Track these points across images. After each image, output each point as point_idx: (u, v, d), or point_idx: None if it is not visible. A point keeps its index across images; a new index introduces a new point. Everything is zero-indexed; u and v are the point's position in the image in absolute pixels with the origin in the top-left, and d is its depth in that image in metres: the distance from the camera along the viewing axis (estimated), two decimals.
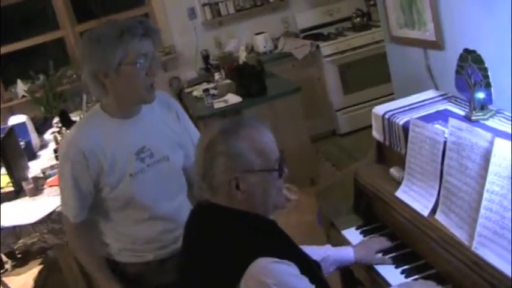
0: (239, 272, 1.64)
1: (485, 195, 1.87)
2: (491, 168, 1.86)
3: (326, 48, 6.32)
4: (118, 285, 2.40)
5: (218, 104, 5.03)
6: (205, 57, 6.62)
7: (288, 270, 1.67)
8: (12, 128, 4.39)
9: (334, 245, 2.72)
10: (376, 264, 2.34)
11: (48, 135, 5.30)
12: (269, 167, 1.78)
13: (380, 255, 2.35)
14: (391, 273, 2.26)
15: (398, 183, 2.43)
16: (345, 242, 2.59)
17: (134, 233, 2.40)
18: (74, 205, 2.31)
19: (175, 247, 2.34)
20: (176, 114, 2.50)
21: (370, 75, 6.12)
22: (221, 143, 1.73)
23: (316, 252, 2.15)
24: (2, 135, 3.98)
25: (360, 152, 4.19)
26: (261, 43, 6.54)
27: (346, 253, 2.31)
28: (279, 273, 1.63)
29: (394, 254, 2.36)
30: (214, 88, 5.49)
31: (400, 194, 2.38)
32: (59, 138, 4.79)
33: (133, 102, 2.32)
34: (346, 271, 2.77)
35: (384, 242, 2.41)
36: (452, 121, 2.10)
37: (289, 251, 1.79)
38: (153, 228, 2.40)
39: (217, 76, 5.82)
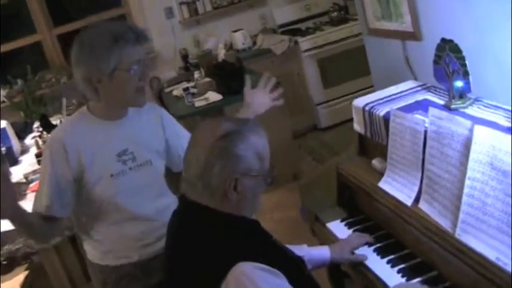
0: (220, 275, 1.64)
1: (467, 182, 1.89)
2: (472, 155, 1.88)
3: (304, 43, 6.33)
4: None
5: (199, 103, 5.02)
6: (184, 56, 6.60)
7: (270, 279, 1.66)
8: None
9: (319, 238, 2.75)
10: (353, 262, 2.36)
11: (29, 140, 5.26)
12: (264, 172, 1.80)
13: (357, 253, 2.36)
14: (376, 263, 2.28)
15: (381, 175, 2.45)
16: (330, 235, 2.61)
17: (116, 232, 2.39)
18: (47, 196, 2.25)
19: (160, 245, 2.34)
20: (161, 122, 2.51)
21: (350, 68, 6.14)
22: (227, 144, 1.73)
23: None
24: None
25: (341, 146, 4.21)
26: (240, 40, 6.52)
27: (321, 253, 2.32)
28: (259, 279, 1.63)
29: (379, 245, 2.38)
30: (194, 87, 5.48)
31: (383, 184, 2.40)
32: (40, 142, 4.76)
33: (123, 106, 2.35)
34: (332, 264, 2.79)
35: (362, 238, 2.42)
36: (432, 110, 2.12)
37: (273, 254, 1.79)
38: (136, 227, 2.40)
39: (196, 75, 5.81)
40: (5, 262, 4.77)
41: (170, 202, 2.43)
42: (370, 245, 2.39)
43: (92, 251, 2.48)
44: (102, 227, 2.40)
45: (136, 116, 2.40)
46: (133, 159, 2.35)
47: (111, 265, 2.44)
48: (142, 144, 2.38)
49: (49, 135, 2.44)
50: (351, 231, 2.55)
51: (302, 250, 2.24)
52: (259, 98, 2.80)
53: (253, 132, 1.78)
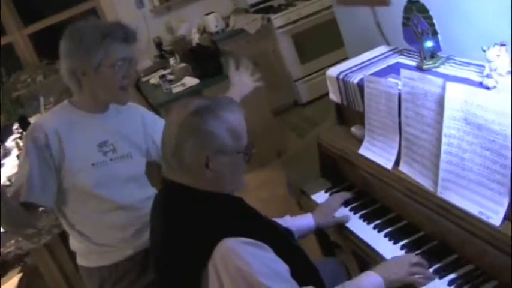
0: (206, 253, 1.65)
1: (444, 139, 1.90)
2: (446, 112, 1.88)
3: (277, 19, 6.30)
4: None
5: (176, 89, 5.00)
6: (159, 44, 6.55)
7: (257, 252, 1.67)
8: None
9: (306, 211, 2.74)
10: (337, 224, 2.38)
11: (9, 143, 5.21)
12: (240, 150, 1.80)
13: (343, 212, 2.40)
14: (363, 229, 2.30)
15: (360, 141, 2.46)
16: (316, 207, 2.61)
17: (101, 222, 2.38)
18: (28, 182, 2.22)
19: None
20: (142, 120, 2.53)
21: (325, 41, 6.11)
22: (195, 121, 1.73)
23: None
24: None
25: (323, 119, 4.22)
26: (212, 23, 6.48)
27: (305, 221, 2.34)
28: (246, 254, 1.64)
29: (364, 211, 2.39)
30: (171, 73, 5.45)
31: (363, 151, 2.41)
32: (20, 144, 4.72)
33: (106, 102, 2.39)
34: (322, 236, 2.80)
35: (340, 198, 2.46)
36: (404, 72, 2.13)
37: (259, 227, 1.80)
38: (121, 216, 2.40)
39: (172, 61, 5.78)
40: None
41: (153, 194, 2.43)
42: (355, 211, 2.40)
43: (83, 254, 2.47)
44: (87, 219, 2.39)
45: (116, 112, 2.44)
46: (113, 151, 2.36)
47: (107, 265, 2.43)
48: (122, 137, 2.41)
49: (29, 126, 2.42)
50: (323, 202, 2.55)
51: (286, 222, 2.25)
52: (244, 79, 2.86)
53: (225, 108, 1.77)
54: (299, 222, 2.31)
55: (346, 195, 2.47)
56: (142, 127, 2.52)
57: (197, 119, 1.73)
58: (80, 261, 2.52)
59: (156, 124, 2.52)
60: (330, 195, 2.61)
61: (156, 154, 2.52)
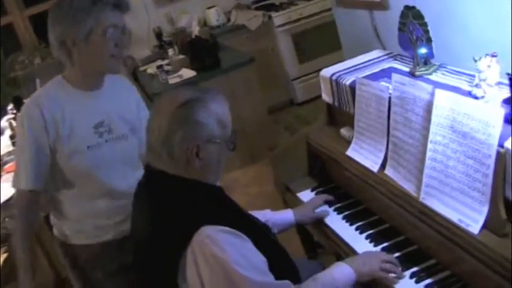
0: (184, 240, 1.67)
1: (429, 145, 1.92)
2: (434, 119, 1.90)
3: (278, 18, 6.33)
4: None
5: (173, 80, 5.01)
6: (158, 35, 6.56)
7: (234, 240, 1.69)
8: None
9: (291, 208, 2.76)
10: (316, 218, 2.43)
11: (3, 123, 5.22)
12: (227, 138, 1.83)
13: (320, 209, 2.45)
14: (345, 230, 2.32)
15: (349, 143, 2.47)
16: (301, 204, 2.63)
17: (90, 208, 2.38)
18: (30, 170, 2.24)
19: None
20: (136, 101, 2.51)
21: (324, 42, 6.14)
22: (188, 111, 1.75)
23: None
24: None
25: (316, 119, 4.24)
26: (214, 17, 6.50)
27: (285, 216, 2.37)
28: (224, 242, 1.66)
29: (348, 212, 2.41)
30: (168, 64, 5.46)
31: (350, 152, 2.43)
32: (14, 124, 4.72)
33: (98, 72, 2.32)
34: (306, 236, 2.82)
35: (322, 197, 2.51)
36: (395, 76, 2.14)
37: (237, 218, 1.82)
38: (108, 203, 2.39)
39: (170, 52, 5.78)
40: None
41: None
42: (339, 212, 2.42)
43: (62, 231, 2.46)
44: (74, 203, 2.38)
45: (112, 88, 2.38)
46: (109, 132, 2.33)
47: (81, 244, 2.43)
48: (118, 117, 2.37)
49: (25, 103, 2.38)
50: (307, 200, 2.58)
51: (266, 215, 2.27)
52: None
53: (213, 99, 1.80)
54: (279, 216, 2.35)
55: (329, 197, 2.51)
56: (136, 107, 2.49)
57: (187, 110, 1.75)
58: (56, 233, 2.49)
59: (144, 110, 2.52)
60: (316, 194, 2.63)
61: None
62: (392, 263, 1.97)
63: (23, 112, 2.29)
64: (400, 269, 1.96)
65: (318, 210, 2.46)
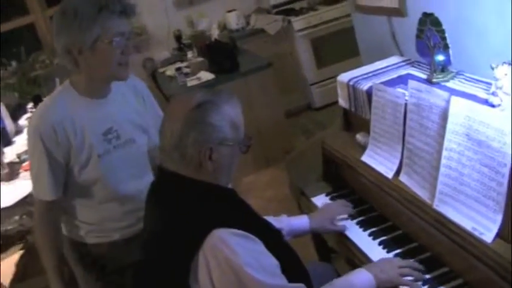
0: (196, 243, 1.67)
1: (444, 153, 1.92)
2: (449, 126, 1.90)
3: (298, 22, 6.33)
4: None
5: (191, 82, 5.04)
6: (178, 37, 6.59)
7: (246, 243, 1.69)
8: None
9: (306, 212, 2.76)
10: (330, 232, 2.40)
11: (23, 121, 5.27)
12: (240, 141, 1.83)
13: (340, 222, 2.39)
14: (359, 236, 2.32)
15: (364, 149, 2.47)
16: (315, 209, 2.63)
17: (100, 213, 2.40)
18: (48, 181, 2.26)
19: (140, 226, 2.34)
20: (142, 98, 2.50)
21: (343, 48, 6.11)
22: (201, 114, 1.75)
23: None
24: None
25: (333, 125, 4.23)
26: (233, 20, 6.52)
27: (301, 222, 2.34)
28: (236, 245, 1.66)
29: (362, 218, 2.41)
30: (187, 67, 5.49)
31: (365, 158, 2.42)
32: None
33: (105, 80, 2.29)
34: (319, 241, 2.82)
35: (342, 208, 2.44)
36: (411, 83, 2.14)
37: (250, 221, 1.82)
38: (119, 208, 2.40)
39: (190, 55, 5.82)
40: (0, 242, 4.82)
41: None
42: (352, 217, 2.42)
43: (71, 229, 2.47)
44: (85, 208, 2.40)
45: (118, 92, 2.37)
46: (117, 137, 2.34)
47: (89, 243, 2.45)
48: (125, 121, 2.37)
49: (33, 113, 2.38)
50: (324, 206, 2.56)
51: (281, 221, 2.26)
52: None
53: (226, 102, 1.80)
54: (294, 222, 2.32)
55: (350, 209, 2.44)
56: (144, 104, 2.49)
57: (200, 113, 1.75)
58: (65, 231, 2.50)
59: (153, 108, 2.54)
60: (330, 199, 2.63)
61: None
62: (411, 266, 1.96)
63: (33, 125, 2.27)
64: (419, 272, 1.95)
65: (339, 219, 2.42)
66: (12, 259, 4.88)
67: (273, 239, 1.82)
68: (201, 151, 1.75)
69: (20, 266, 4.77)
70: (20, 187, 3.56)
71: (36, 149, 2.23)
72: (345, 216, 2.42)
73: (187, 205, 1.78)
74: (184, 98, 1.85)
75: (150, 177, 2.41)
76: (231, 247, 1.64)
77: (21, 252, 4.94)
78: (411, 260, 2.03)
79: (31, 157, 2.32)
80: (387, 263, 2.00)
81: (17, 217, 3.43)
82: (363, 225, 2.36)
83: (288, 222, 2.29)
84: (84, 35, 2.09)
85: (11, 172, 3.80)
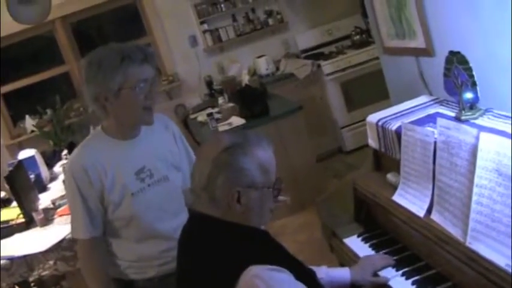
0: (232, 281, 1.67)
1: (475, 189, 1.90)
2: (479, 162, 1.89)
3: (327, 66, 6.40)
4: None
5: (222, 127, 5.10)
6: (209, 83, 6.70)
7: (280, 276, 1.69)
8: (20, 162, 4.48)
9: (337, 253, 2.76)
10: (373, 284, 2.33)
11: (57, 168, 5.37)
12: (270, 184, 1.83)
13: (379, 275, 2.32)
14: (391, 276, 2.28)
15: (395, 188, 2.46)
16: (347, 250, 2.62)
17: (137, 251, 2.44)
18: (84, 222, 2.35)
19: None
20: (173, 136, 2.57)
21: (373, 90, 6.10)
22: (227, 158, 1.76)
23: None
24: (10, 169, 4.06)
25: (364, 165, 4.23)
26: (263, 65, 6.62)
27: (341, 274, 2.29)
28: (271, 279, 1.66)
29: (394, 258, 2.39)
30: (218, 112, 5.56)
31: (396, 197, 2.42)
32: None
33: (132, 124, 2.39)
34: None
35: (384, 260, 2.39)
36: (440, 121, 2.14)
37: (283, 259, 1.81)
38: (155, 246, 2.44)
39: (220, 100, 5.90)
40: (35, 287, 4.86)
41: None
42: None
43: (108, 266, 2.51)
44: (123, 246, 2.45)
45: (149, 131, 2.44)
46: (150, 176, 2.40)
47: (127, 279, 2.49)
48: (158, 159, 2.44)
49: (68, 158, 2.49)
50: (367, 245, 2.56)
51: (321, 271, 2.21)
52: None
53: (256, 144, 1.81)
54: (335, 273, 2.27)
55: (392, 261, 2.38)
56: (175, 144, 2.56)
57: (229, 156, 1.77)
58: None
59: (185, 148, 2.61)
60: (362, 240, 2.62)
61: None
62: None
63: (68, 169, 2.39)
64: None
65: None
66: None
67: (307, 278, 1.81)
68: (229, 194, 1.76)
69: None
70: (55, 232, 3.60)
71: (71, 190, 2.36)
72: (386, 265, 2.36)
73: (221, 246, 1.78)
74: (213, 141, 1.87)
75: (185, 216, 2.42)
76: (267, 282, 1.64)
77: None
78: None
79: (67, 197, 2.46)
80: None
81: (51, 262, 3.46)
82: (396, 264, 2.33)
83: (328, 273, 2.24)
84: (108, 83, 2.23)
85: (46, 218, 3.86)
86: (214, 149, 1.80)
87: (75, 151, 2.44)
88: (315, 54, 6.77)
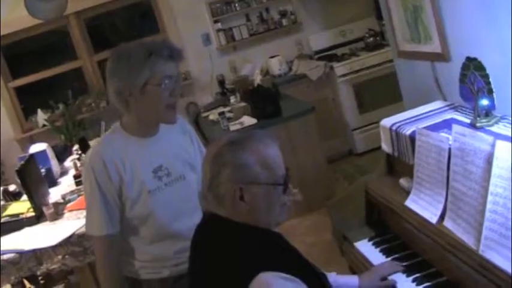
0: (242, 286, 1.66)
1: (490, 198, 1.89)
2: (494, 170, 1.88)
3: (340, 68, 6.38)
4: None
5: (234, 127, 5.09)
6: (221, 82, 6.70)
7: (292, 286, 1.67)
8: (32, 156, 4.49)
9: (348, 257, 2.75)
10: None
11: (68, 163, 5.39)
12: (274, 181, 1.79)
13: (387, 280, 2.32)
14: (403, 281, 2.27)
15: (407, 193, 2.46)
16: (358, 254, 2.62)
17: (151, 251, 2.43)
18: (101, 217, 2.32)
19: None
20: (190, 138, 2.57)
21: (385, 93, 6.12)
22: (227, 154, 1.75)
23: None
24: (22, 163, 4.07)
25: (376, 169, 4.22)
26: (276, 66, 6.61)
27: (350, 280, 2.29)
28: (280, 286, 1.64)
29: (405, 263, 2.38)
30: (230, 111, 5.56)
31: (409, 203, 2.41)
32: (78, 164, 4.87)
33: (154, 121, 2.38)
34: None
35: (393, 267, 2.38)
36: (455, 127, 2.13)
37: (295, 264, 1.79)
38: (170, 247, 2.43)
39: (232, 99, 5.90)
40: (42, 281, 4.88)
41: None
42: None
43: (123, 264, 2.49)
44: (137, 246, 2.44)
45: (167, 131, 2.43)
46: (168, 175, 2.39)
47: (140, 279, 2.48)
48: (175, 158, 2.43)
49: (86, 153, 2.48)
50: (378, 250, 2.56)
51: (330, 278, 2.21)
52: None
53: (257, 140, 1.78)
54: (344, 280, 2.26)
55: (400, 268, 2.37)
56: (192, 144, 2.55)
57: (228, 152, 1.76)
58: None
59: (200, 148, 2.59)
60: (373, 244, 2.61)
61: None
62: None
63: (86, 164, 2.37)
64: None
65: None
66: None
67: (318, 283, 1.80)
68: (231, 191, 1.75)
69: None
70: (64, 227, 3.60)
71: (89, 184, 2.33)
72: (393, 271, 2.36)
73: (232, 249, 1.76)
74: (217, 140, 1.86)
75: (200, 216, 2.44)
76: None
77: None
78: None
79: (85, 192, 2.41)
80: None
81: (60, 257, 3.47)
82: (407, 270, 2.32)
83: (337, 280, 2.22)
84: (134, 78, 2.20)
85: (56, 212, 3.86)
86: (214, 148, 1.80)
87: (94, 146, 2.44)
88: (328, 56, 6.75)
